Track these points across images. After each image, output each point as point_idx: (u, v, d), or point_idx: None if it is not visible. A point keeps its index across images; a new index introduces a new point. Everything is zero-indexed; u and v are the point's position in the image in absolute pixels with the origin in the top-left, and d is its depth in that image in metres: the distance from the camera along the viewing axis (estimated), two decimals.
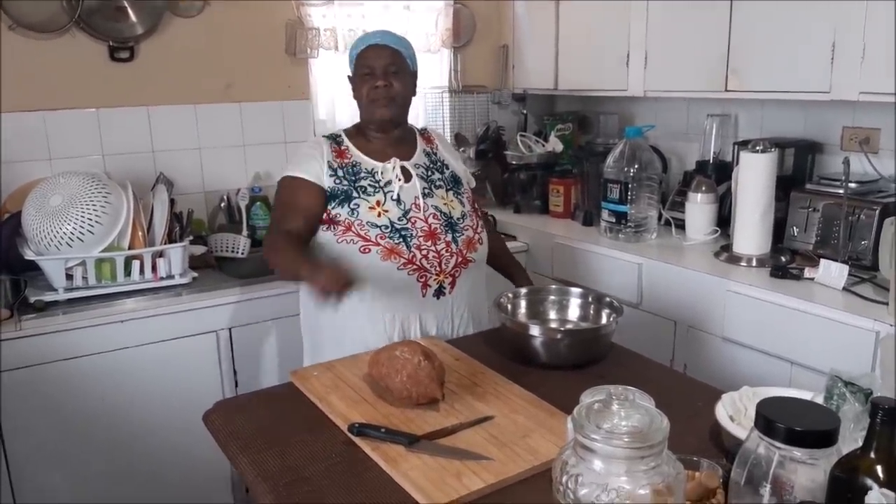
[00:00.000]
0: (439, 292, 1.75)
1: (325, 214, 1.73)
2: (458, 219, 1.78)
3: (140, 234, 2.12)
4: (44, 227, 2.01)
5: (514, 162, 3.05)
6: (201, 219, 2.68)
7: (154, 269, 2.15)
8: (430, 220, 1.74)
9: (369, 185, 1.75)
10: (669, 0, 2.47)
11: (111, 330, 2.02)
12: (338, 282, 1.45)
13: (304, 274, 1.54)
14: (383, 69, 1.75)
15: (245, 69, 2.73)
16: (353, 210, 1.71)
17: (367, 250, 1.69)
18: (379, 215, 1.71)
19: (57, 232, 2.00)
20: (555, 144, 3.07)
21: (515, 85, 3.25)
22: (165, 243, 2.17)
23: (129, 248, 2.10)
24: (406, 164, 1.80)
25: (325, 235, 1.73)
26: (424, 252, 1.71)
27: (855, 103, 2.16)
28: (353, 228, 1.70)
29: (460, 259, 1.76)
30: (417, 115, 3.12)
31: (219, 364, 2.20)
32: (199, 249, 2.44)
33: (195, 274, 2.25)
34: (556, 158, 3.05)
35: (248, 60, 2.72)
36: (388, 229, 1.70)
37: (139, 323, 2.06)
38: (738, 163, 2.26)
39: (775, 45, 2.16)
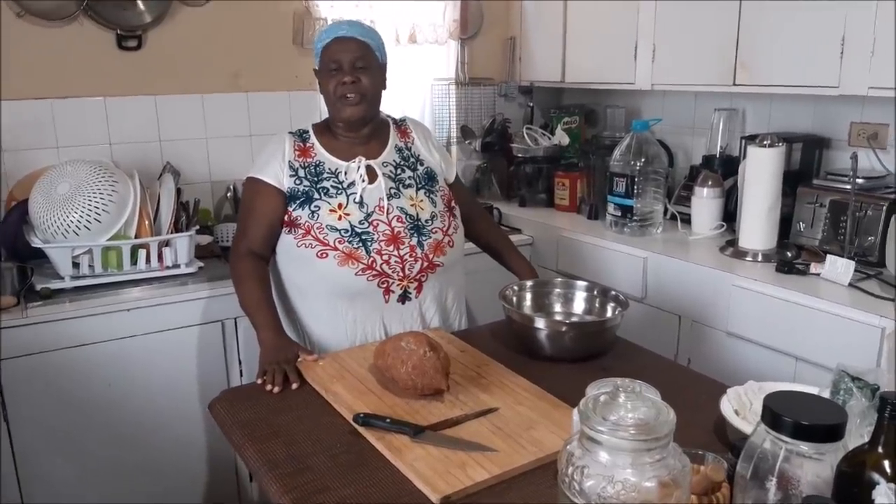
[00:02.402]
0: (404, 297, 1.71)
1: (286, 216, 1.69)
2: (426, 221, 1.72)
3: (146, 222, 2.12)
4: (51, 214, 2.01)
5: (519, 155, 3.04)
6: (207, 208, 2.68)
7: (160, 257, 2.15)
8: (394, 223, 1.69)
9: (332, 186, 1.70)
10: None
11: (117, 318, 2.03)
12: (276, 373, 1.46)
13: (259, 339, 1.61)
14: (350, 64, 1.68)
15: (252, 59, 2.72)
16: (313, 213, 1.67)
17: (324, 255, 1.65)
18: (340, 218, 1.67)
19: (64, 220, 2.00)
20: (561, 137, 3.06)
21: (522, 77, 3.24)
22: (172, 232, 2.17)
23: (136, 237, 2.10)
24: (372, 162, 1.74)
25: (286, 239, 1.70)
26: (386, 257, 1.66)
27: (863, 98, 2.14)
28: (312, 232, 1.66)
29: (426, 264, 1.71)
30: (424, 107, 3.11)
31: (224, 353, 2.21)
32: (205, 239, 2.44)
33: (201, 263, 2.25)
34: (562, 151, 3.04)
35: (255, 50, 2.72)
36: (348, 233, 1.66)
37: (145, 311, 2.06)
38: (745, 157, 2.25)
39: (784, 39, 2.15)
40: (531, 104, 3.34)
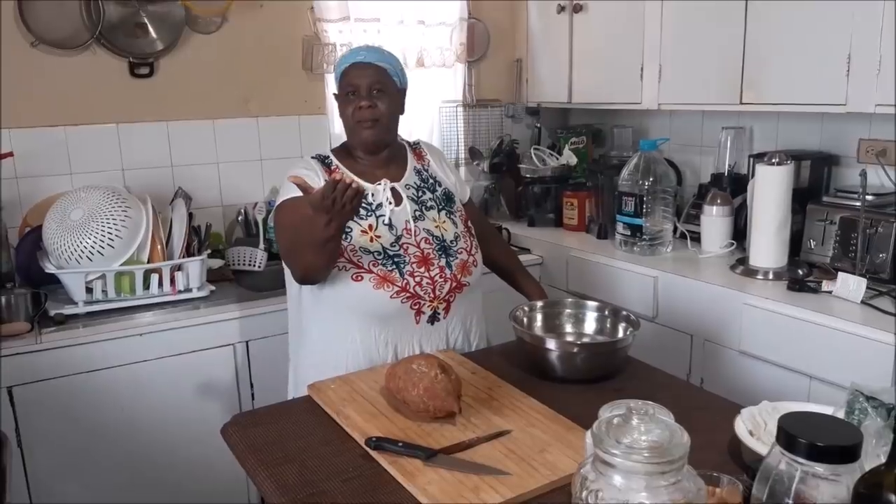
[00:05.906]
0: (433, 318, 1.71)
1: None
2: (451, 241, 1.74)
3: (159, 247, 2.14)
4: (64, 240, 2.03)
5: (528, 175, 3.05)
6: (219, 232, 2.70)
7: (172, 282, 2.16)
8: (423, 244, 1.70)
9: (361, 207, 1.69)
10: (684, 12, 2.48)
11: (130, 343, 2.04)
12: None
13: (310, 206, 1.44)
14: (367, 89, 1.70)
15: (262, 84, 2.76)
16: (346, 234, 1.66)
17: (359, 278, 1.64)
18: (371, 241, 1.67)
19: (77, 246, 2.02)
20: (569, 158, 3.07)
21: (529, 98, 3.26)
22: (184, 257, 2.19)
23: (148, 262, 2.12)
24: (397, 185, 1.75)
25: None
26: (418, 279, 1.67)
27: (871, 115, 2.15)
28: (346, 254, 1.65)
29: (454, 284, 1.72)
30: (432, 130, 3.14)
31: (236, 377, 2.22)
32: (217, 263, 2.46)
33: (213, 287, 2.27)
34: (570, 172, 3.06)
35: (265, 76, 2.75)
36: (381, 256, 1.66)
37: (157, 336, 2.07)
38: (753, 175, 2.25)
39: (790, 58, 2.16)
40: (538, 125, 3.36)
